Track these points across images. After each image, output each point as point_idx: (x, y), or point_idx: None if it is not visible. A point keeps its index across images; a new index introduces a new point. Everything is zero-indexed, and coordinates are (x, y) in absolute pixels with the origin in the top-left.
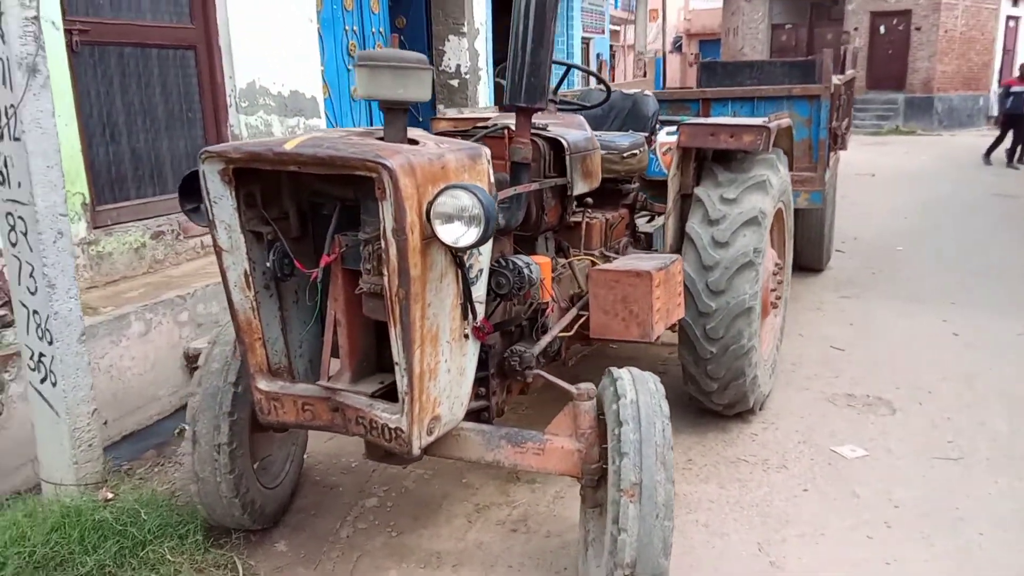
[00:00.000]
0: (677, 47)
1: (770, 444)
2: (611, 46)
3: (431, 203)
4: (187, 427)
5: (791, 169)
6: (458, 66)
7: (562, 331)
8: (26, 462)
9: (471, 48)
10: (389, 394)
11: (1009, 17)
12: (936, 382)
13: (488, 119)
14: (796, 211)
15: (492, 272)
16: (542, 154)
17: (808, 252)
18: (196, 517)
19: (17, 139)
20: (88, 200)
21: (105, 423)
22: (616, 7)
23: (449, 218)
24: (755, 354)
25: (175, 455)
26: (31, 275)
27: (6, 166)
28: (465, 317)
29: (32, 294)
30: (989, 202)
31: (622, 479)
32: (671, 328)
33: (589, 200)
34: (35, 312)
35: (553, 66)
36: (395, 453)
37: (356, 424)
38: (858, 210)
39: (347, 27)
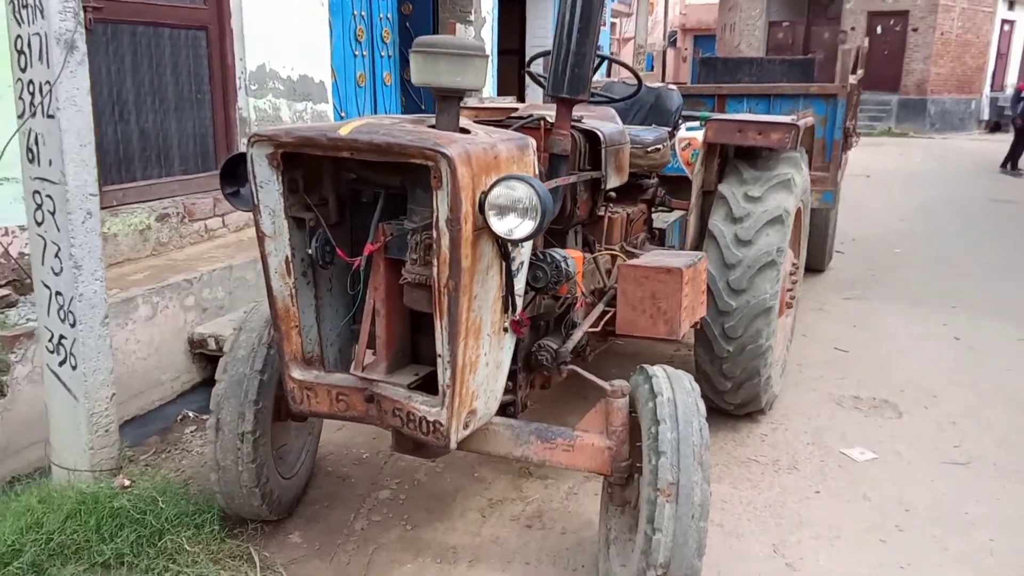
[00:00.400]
0: (672, 42)
1: (780, 445)
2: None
3: (485, 194)
4: (210, 414)
5: (809, 168)
6: None
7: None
8: (30, 444)
9: (478, 37)
10: (423, 386)
11: (1004, 21)
12: (941, 386)
13: (513, 109)
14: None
15: (530, 265)
16: (578, 146)
17: (811, 252)
18: (212, 506)
19: (51, 116)
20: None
21: None
22: (614, 1)
23: (504, 210)
24: (771, 354)
25: (180, 442)
26: (56, 255)
27: (36, 143)
28: (506, 310)
29: (56, 275)
30: (984, 206)
31: (659, 478)
32: (694, 325)
33: (612, 194)
34: (58, 293)
35: None
36: (425, 446)
37: (393, 416)
38: (855, 211)
39: (355, 12)
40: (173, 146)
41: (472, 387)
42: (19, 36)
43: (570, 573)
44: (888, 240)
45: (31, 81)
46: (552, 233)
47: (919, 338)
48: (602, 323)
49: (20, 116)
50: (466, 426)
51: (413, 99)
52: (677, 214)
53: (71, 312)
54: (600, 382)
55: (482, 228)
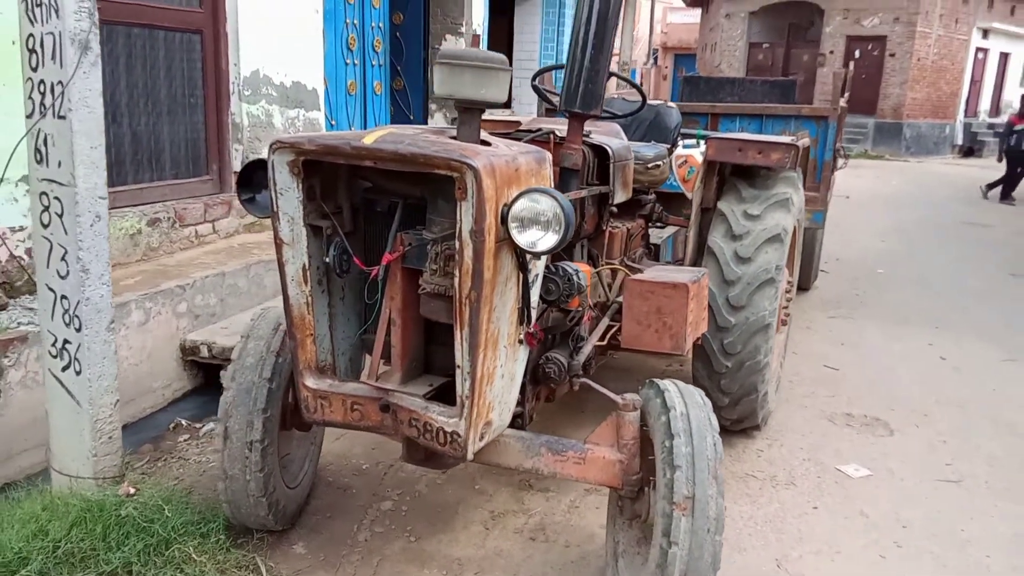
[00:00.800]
0: (653, 60)
1: (776, 461)
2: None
3: (508, 206)
4: (217, 423)
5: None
6: None
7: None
8: (22, 451)
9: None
10: (436, 397)
11: (979, 49)
12: (930, 405)
13: (517, 122)
14: None
15: (543, 279)
16: (587, 161)
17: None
18: (217, 515)
19: (62, 117)
20: None
21: None
22: None
23: (528, 222)
24: (768, 370)
25: (175, 450)
26: (63, 258)
27: (45, 144)
28: (521, 322)
29: (62, 278)
30: (961, 230)
31: (675, 492)
32: (696, 341)
33: (614, 209)
34: (63, 297)
35: None
36: (436, 457)
37: (409, 426)
38: (837, 231)
39: (348, 20)
40: (165, 150)
41: (489, 398)
42: (31, 35)
43: None
44: (870, 260)
45: (42, 81)
46: None
47: (906, 357)
48: (608, 337)
49: (28, 116)
50: (482, 437)
51: (402, 108)
52: (671, 230)
53: (77, 316)
54: (612, 395)
55: (503, 240)
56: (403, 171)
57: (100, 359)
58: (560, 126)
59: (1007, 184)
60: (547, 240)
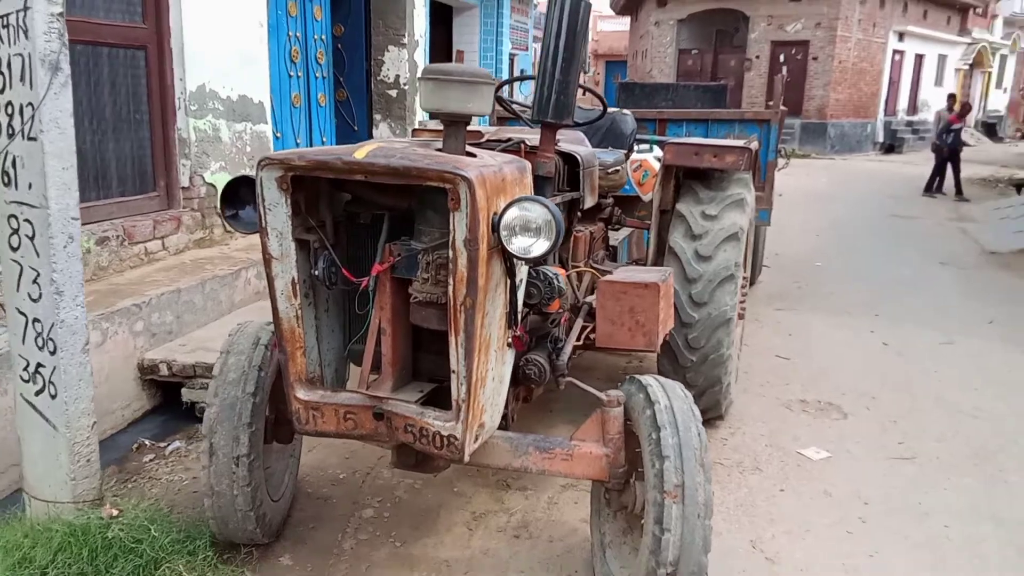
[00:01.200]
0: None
1: (741, 448)
2: (533, 64)
3: (499, 215)
4: (203, 438)
5: None
6: (397, 76)
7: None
8: None
9: (411, 59)
10: (428, 403)
11: (895, 51)
12: (877, 389)
13: (479, 132)
14: None
15: (526, 284)
16: (557, 169)
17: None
18: (203, 532)
19: (33, 139)
20: None
21: None
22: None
23: (519, 230)
24: (731, 363)
25: (142, 471)
26: (35, 281)
27: (14, 166)
28: (509, 326)
29: (34, 301)
30: (889, 222)
31: (664, 481)
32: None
33: (579, 214)
34: (36, 320)
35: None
36: (427, 461)
37: (404, 432)
38: (774, 228)
39: (291, 33)
40: (111, 167)
41: (482, 401)
42: None
43: None
44: (807, 255)
45: (9, 103)
46: None
47: (851, 344)
48: (583, 337)
49: None
50: (476, 439)
51: (346, 120)
52: (625, 232)
53: (51, 339)
54: (596, 392)
55: (493, 247)
56: (388, 184)
57: (76, 381)
58: (527, 135)
59: (936, 177)
60: (539, 246)
